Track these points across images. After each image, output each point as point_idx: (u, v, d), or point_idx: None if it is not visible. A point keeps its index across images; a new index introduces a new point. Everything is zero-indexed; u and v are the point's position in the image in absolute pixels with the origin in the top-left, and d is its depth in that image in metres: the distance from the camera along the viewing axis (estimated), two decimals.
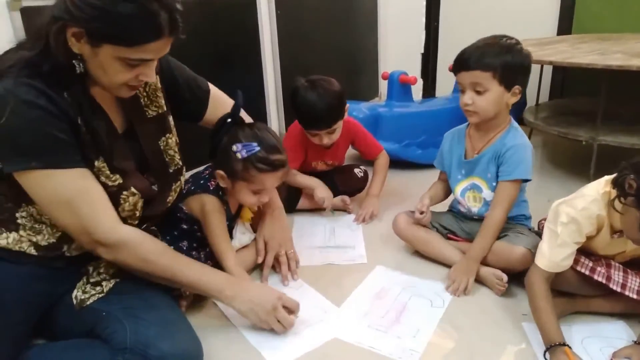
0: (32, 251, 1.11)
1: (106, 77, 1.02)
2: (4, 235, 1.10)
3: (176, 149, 1.31)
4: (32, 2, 1.52)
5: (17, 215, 1.10)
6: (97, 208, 1.06)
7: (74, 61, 1.00)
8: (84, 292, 1.14)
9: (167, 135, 1.28)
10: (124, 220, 1.14)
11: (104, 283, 1.16)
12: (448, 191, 1.68)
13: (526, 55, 1.41)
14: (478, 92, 1.39)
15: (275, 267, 1.56)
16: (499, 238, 1.47)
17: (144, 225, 1.27)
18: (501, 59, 1.36)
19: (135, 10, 0.93)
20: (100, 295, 1.13)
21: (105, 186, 1.09)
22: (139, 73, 1.03)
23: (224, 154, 1.35)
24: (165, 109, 1.28)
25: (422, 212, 1.55)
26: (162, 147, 1.27)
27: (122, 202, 1.13)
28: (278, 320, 1.23)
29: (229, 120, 1.35)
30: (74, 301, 1.13)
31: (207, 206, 1.40)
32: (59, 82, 1.00)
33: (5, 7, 1.52)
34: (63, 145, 1.00)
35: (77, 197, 1.03)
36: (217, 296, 1.22)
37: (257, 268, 1.58)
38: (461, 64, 1.41)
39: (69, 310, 1.13)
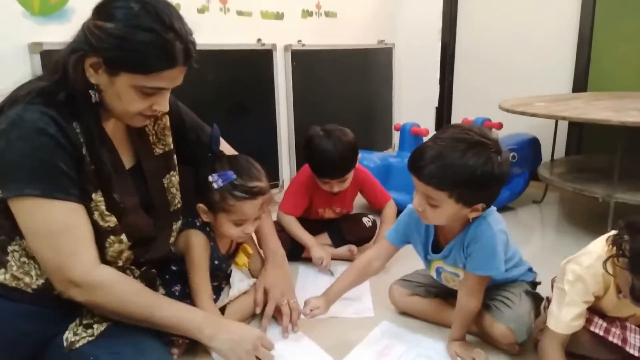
0: (28, 289, 1.09)
1: (121, 105, 1.05)
2: (2, 270, 1.09)
3: (178, 187, 1.32)
4: (52, 46, 1.58)
5: (9, 249, 1.08)
6: (78, 246, 1.04)
7: (90, 91, 1.02)
8: (75, 334, 1.11)
9: (172, 172, 1.29)
10: (109, 263, 1.12)
11: (95, 325, 1.13)
12: (366, 274, 1.49)
13: (502, 163, 1.14)
14: (430, 204, 1.19)
15: (277, 317, 1.50)
16: (487, 301, 1.36)
17: (143, 268, 1.25)
18: (465, 177, 1.11)
19: (152, 39, 0.98)
20: (90, 339, 1.10)
21: (94, 225, 1.07)
22: (153, 103, 1.07)
23: (202, 187, 1.33)
24: (171, 147, 1.31)
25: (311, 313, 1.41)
26: (165, 185, 1.27)
27: (106, 246, 1.11)
28: (259, 358, 1.18)
29: (209, 155, 1.37)
30: (64, 343, 1.10)
31: (191, 240, 1.36)
32: (71, 112, 1.02)
33: (26, 50, 1.59)
34: (62, 176, 1.00)
35: (62, 231, 1.01)
36: (197, 335, 1.17)
37: (255, 317, 1.53)
38: (415, 170, 1.17)
39: (59, 352, 1.10)
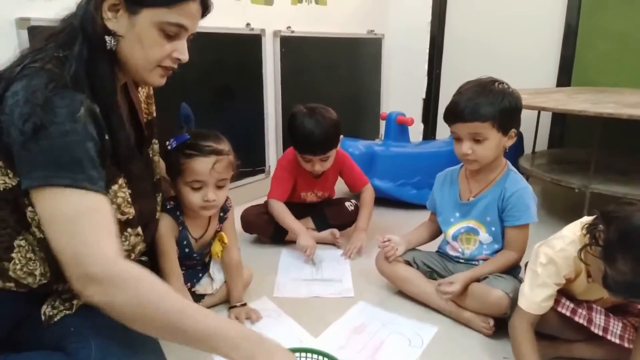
0: (21, 289, 1.04)
1: (142, 52, 1.00)
2: None
3: (159, 156, 1.30)
4: (40, 21, 1.58)
5: (15, 243, 1.01)
6: (101, 234, 0.91)
7: (106, 37, 0.97)
8: (53, 307, 1.09)
9: (153, 140, 1.27)
10: None
11: (75, 301, 1.10)
12: (434, 233, 1.68)
13: (517, 97, 1.43)
14: (477, 141, 1.40)
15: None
16: (478, 281, 1.44)
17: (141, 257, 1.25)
18: (498, 107, 1.36)
19: None
20: (68, 312, 1.08)
21: None
22: (174, 48, 1.03)
23: (166, 158, 1.35)
24: (154, 115, 1.28)
25: (385, 243, 1.58)
26: (151, 154, 1.25)
27: (122, 239, 1.05)
28: None
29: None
30: (43, 317, 1.08)
31: (161, 226, 1.33)
32: (90, 86, 0.95)
33: (14, 25, 1.58)
34: (91, 166, 0.92)
35: (83, 217, 0.91)
36: (230, 355, 0.92)
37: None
38: (456, 116, 1.40)
39: (37, 324, 1.08)
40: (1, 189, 0.95)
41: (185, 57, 1.05)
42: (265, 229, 2.01)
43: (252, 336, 0.96)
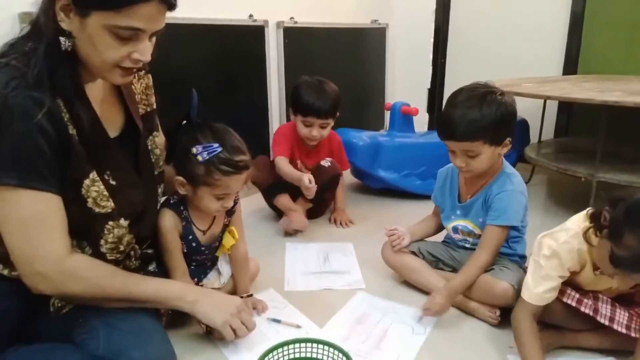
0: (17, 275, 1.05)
1: (97, 55, 0.96)
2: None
3: (162, 149, 1.29)
4: None
5: None
6: (49, 237, 0.99)
7: (60, 38, 0.94)
8: (62, 299, 1.12)
9: (154, 133, 1.26)
10: (102, 255, 1.10)
11: None
12: (439, 226, 1.68)
13: (510, 105, 1.39)
14: (470, 157, 1.40)
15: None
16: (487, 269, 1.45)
17: (143, 247, 1.26)
18: (490, 123, 1.34)
19: None
20: (76, 303, 1.11)
21: (90, 212, 1.04)
22: (131, 50, 0.97)
23: (182, 159, 1.26)
24: (154, 107, 1.27)
25: (392, 231, 1.60)
26: (150, 146, 1.24)
27: (105, 232, 1.08)
28: (242, 322, 1.21)
29: (185, 122, 1.29)
30: (51, 308, 1.10)
31: (159, 222, 1.32)
32: (52, 84, 0.95)
33: (17, 19, 1.59)
34: (42, 165, 0.95)
35: (33, 222, 0.96)
36: (179, 303, 1.17)
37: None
38: (447, 135, 1.40)
39: (46, 316, 1.11)
40: None
41: (145, 58, 0.99)
42: (265, 179, 2.12)
43: (192, 287, 1.23)
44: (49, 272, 0.99)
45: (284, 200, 2.11)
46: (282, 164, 2.05)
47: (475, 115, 1.34)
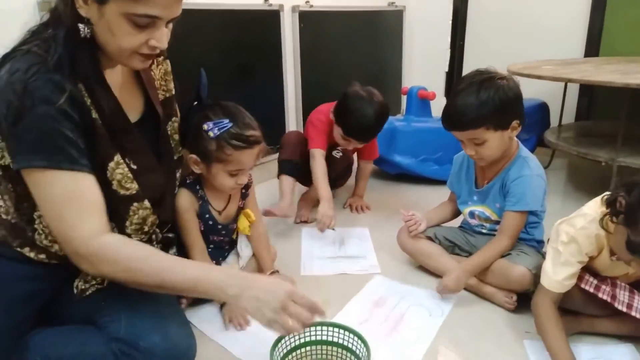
0: (53, 260, 1.09)
1: (115, 42, 0.97)
2: (27, 249, 1.08)
3: (179, 133, 1.30)
4: None
5: (35, 215, 1.07)
6: (81, 216, 0.98)
7: (79, 25, 0.95)
8: (85, 281, 1.14)
9: (173, 119, 1.27)
10: (128, 235, 1.10)
11: None
12: (455, 212, 1.68)
13: (512, 88, 1.37)
14: (477, 144, 1.39)
15: None
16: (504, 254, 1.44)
17: (164, 231, 1.27)
18: (489, 108, 1.33)
19: None
20: (99, 286, 1.13)
21: (115, 194, 1.05)
22: (148, 37, 0.97)
23: (195, 136, 1.28)
24: (173, 92, 1.27)
25: (409, 216, 1.60)
26: (169, 131, 1.25)
27: (130, 214, 1.09)
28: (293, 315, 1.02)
29: (195, 103, 1.31)
30: (75, 290, 1.13)
31: (179, 201, 1.35)
32: (73, 69, 0.96)
33: (36, 7, 1.60)
34: (69, 146, 0.96)
35: (65, 202, 0.97)
36: (220, 296, 1.07)
37: None
38: (450, 125, 1.40)
39: (70, 298, 1.13)
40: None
41: (162, 45, 1.00)
42: (289, 153, 2.01)
43: (234, 275, 1.07)
44: (83, 252, 0.98)
45: (285, 182, 1.99)
46: (319, 167, 1.93)
47: (473, 102, 1.33)
